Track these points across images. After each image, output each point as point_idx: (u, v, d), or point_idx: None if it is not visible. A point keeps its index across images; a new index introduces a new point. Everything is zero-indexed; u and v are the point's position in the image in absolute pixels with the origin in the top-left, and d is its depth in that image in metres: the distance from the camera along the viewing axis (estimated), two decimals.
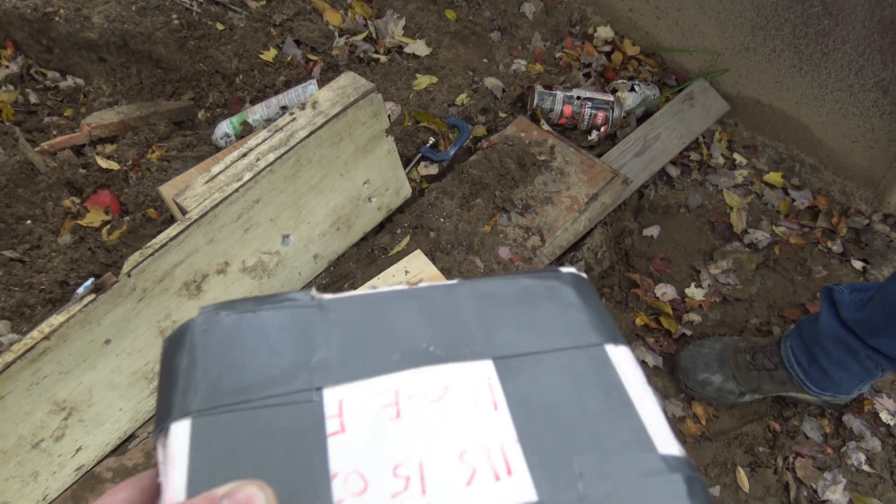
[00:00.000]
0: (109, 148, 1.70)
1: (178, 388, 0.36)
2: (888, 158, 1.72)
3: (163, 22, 1.89)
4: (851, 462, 1.42)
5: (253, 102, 1.80)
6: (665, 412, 0.34)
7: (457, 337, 0.39)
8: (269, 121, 1.69)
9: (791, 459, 1.42)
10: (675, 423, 1.45)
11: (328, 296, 0.40)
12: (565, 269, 0.44)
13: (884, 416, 1.47)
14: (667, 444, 0.35)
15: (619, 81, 1.96)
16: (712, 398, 1.45)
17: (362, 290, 0.41)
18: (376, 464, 0.33)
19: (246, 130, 1.67)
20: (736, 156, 1.93)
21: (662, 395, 1.48)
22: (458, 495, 0.32)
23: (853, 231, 1.79)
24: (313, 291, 0.41)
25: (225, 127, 1.68)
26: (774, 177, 1.89)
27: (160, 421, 0.35)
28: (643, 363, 1.51)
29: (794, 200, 1.85)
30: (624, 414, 0.36)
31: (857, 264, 1.73)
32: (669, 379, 1.51)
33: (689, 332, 1.58)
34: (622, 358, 0.39)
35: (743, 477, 1.39)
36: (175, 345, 0.38)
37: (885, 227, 1.79)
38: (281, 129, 1.28)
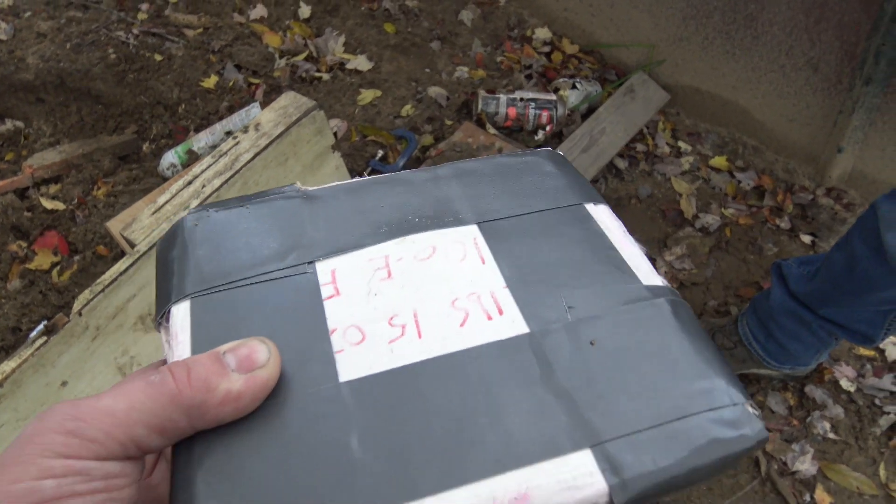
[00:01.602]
0: (54, 188, 1.67)
1: (173, 276, 0.36)
2: (825, 134, 1.77)
3: (99, 57, 1.87)
4: (817, 431, 1.45)
5: (197, 130, 1.79)
6: (649, 256, 0.37)
7: (440, 208, 0.40)
8: (214, 147, 1.68)
9: None
10: None
11: (314, 188, 0.41)
12: (542, 149, 0.46)
13: (844, 384, 1.51)
14: (650, 277, 0.37)
15: (561, 80, 1.98)
16: None
17: (347, 181, 0.42)
18: (372, 317, 0.34)
19: (192, 159, 1.66)
20: (680, 143, 1.97)
21: None
22: (452, 336, 0.33)
23: (799, 207, 1.84)
24: (298, 184, 0.42)
25: (170, 157, 1.66)
26: (719, 161, 1.93)
27: (160, 307, 0.36)
28: None
29: (739, 182, 1.89)
30: (607, 256, 0.38)
31: (806, 238, 1.77)
32: None
33: None
34: (602, 213, 0.41)
35: None
36: (167, 242, 0.39)
37: (829, 200, 1.84)
38: (225, 153, 1.27)
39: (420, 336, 0.33)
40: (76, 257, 1.54)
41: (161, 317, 0.35)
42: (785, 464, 1.41)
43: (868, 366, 1.53)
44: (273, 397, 0.31)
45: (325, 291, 0.35)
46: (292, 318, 0.34)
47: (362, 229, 0.39)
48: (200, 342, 0.33)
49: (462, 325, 0.34)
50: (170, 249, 0.38)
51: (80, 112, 1.84)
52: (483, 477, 0.28)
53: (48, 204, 1.61)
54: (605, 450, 0.29)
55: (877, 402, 1.49)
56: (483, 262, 0.37)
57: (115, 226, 1.44)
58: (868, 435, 1.45)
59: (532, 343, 0.33)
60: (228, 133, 1.69)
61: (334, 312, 0.34)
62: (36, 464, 0.26)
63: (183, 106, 1.85)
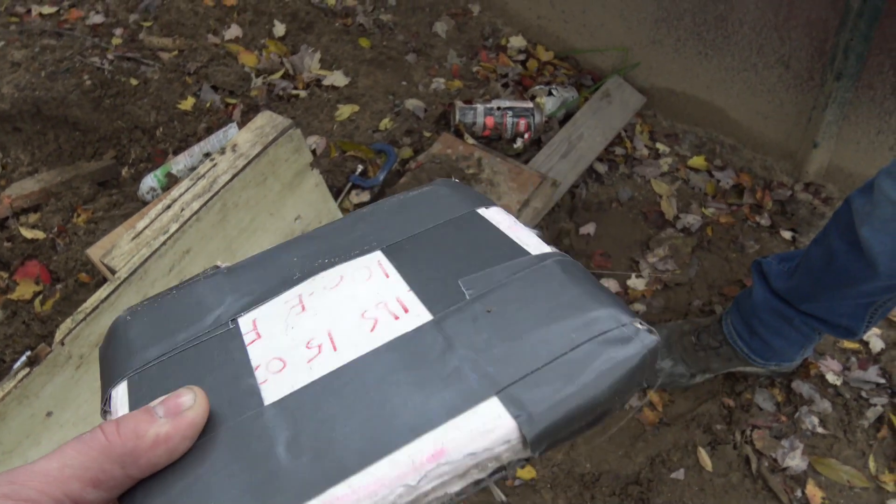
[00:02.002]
0: (33, 217, 1.66)
1: (110, 366, 0.38)
2: (800, 130, 1.79)
3: (75, 84, 1.87)
4: (806, 426, 1.46)
5: (176, 153, 1.79)
6: (542, 237, 0.38)
7: (349, 246, 0.43)
8: (193, 169, 1.68)
9: (748, 432, 1.46)
10: (633, 414, 1.47)
11: (236, 262, 0.44)
12: (439, 180, 0.49)
13: (830, 378, 1.52)
14: (540, 248, 0.40)
15: (537, 87, 1.99)
16: (665, 384, 1.48)
17: (265, 250, 0.46)
18: (290, 346, 0.36)
19: (171, 182, 1.66)
20: (658, 145, 1.98)
21: None
22: (364, 342, 0.35)
23: (778, 203, 1.85)
24: (220, 262, 0.45)
25: (150, 181, 1.66)
26: (698, 161, 1.94)
27: (102, 398, 0.37)
28: None
29: (718, 181, 1.90)
30: (498, 243, 0.41)
31: (787, 234, 1.78)
32: None
33: None
34: (494, 213, 0.44)
35: (704, 456, 1.42)
36: (105, 342, 0.41)
37: (808, 195, 1.85)
38: (203, 175, 1.27)
39: (335, 349, 0.35)
40: (58, 286, 1.53)
41: (105, 405, 0.37)
42: (775, 460, 1.41)
43: (853, 359, 1.55)
44: (204, 435, 0.32)
45: (248, 338, 0.38)
46: (220, 368, 0.36)
47: (278, 280, 0.42)
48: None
49: (372, 329, 0.36)
50: (107, 348, 0.41)
51: (57, 140, 1.83)
52: (400, 445, 0.30)
53: (28, 233, 1.60)
54: (508, 393, 0.31)
55: (863, 394, 1.50)
56: (387, 277, 0.40)
57: (95, 252, 1.44)
58: (856, 427, 1.46)
59: (435, 325, 0.35)
60: (207, 155, 1.68)
61: (257, 352, 0.37)
62: None
63: (161, 129, 1.84)
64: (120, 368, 0.38)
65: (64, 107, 1.83)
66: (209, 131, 1.83)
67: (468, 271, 0.38)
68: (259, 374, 0.35)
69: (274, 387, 0.34)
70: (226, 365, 0.36)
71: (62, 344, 1.11)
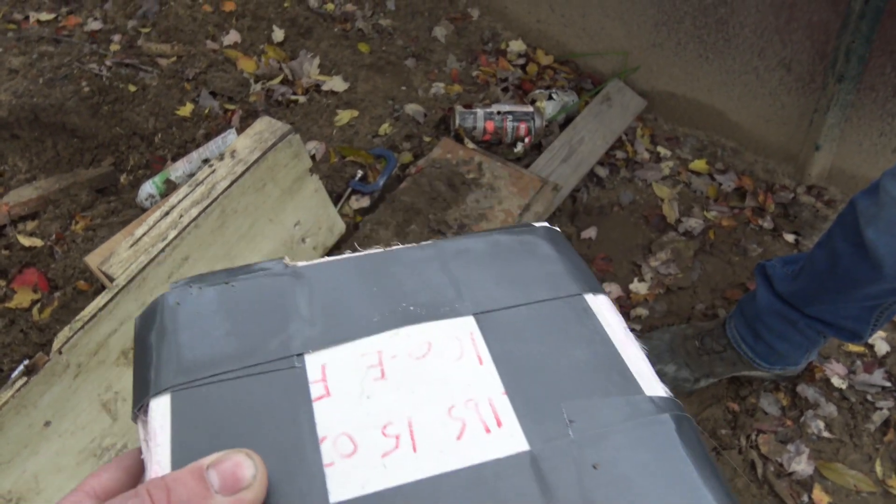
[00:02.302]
0: (31, 225, 1.65)
1: (152, 363, 0.34)
2: (802, 132, 1.78)
3: (73, 91, 1.86)
4: (811, 431, 1.45)
5: (174, 160, 1.78)
6: (648, 358, 0.35)
7: (435, 295, 0.38)
8: (191, 176, 1.67)
9: (753, 437, 1.44)
10: None
11: (302, 263, 0.40)
12: (538, 224, 0.44)
13: (835, 381, 1.50)
14: (652, 386, 0.35)
15: (537, 91, 1.99)
16: (669, 388, 1.47)
17: (336, 256, 0.40)
18: (364, 424, 0.32)
19: (170, 189, 1.65)
20: (660, 149, 1.97)
21: None
22: (449, 451, 0.31)
23: (781, 206, 1.84)
24: (286, 259, 0.40)
25: (148, 188, 1.65)
26: (699, 164, 1.93)
27: (138, 398, 0.34)
28: None
29: (720, 184, 1.89)
30: (609, 360, 0.36)
31: (790, 237, 1.77)
32: None
33: (637, 327, 1.60)
34: (602, 306, 0.39)
35: None
36: (147, 322, 0.37)
37: (811, 198, 1.84)
38: (201, 182, 1.26)
39: (415, 450, 0.31)
40: (56, 294, 1.52)
41: (138, 409, 0.34)
42: (781, 465, 1.40)
43: (858, 362, 1.53)
44: None
45: (315, 391, 0.33)
46: (279, 421, 0.32)
47: (354, 317, 0.37)
48: (180, 447, 0.31)
49: (459, 437, 0.32)
50: (149, 329, 0.36)
51: (55, 147, 1.82)
52: None
53: (26, 241, 1.59)
54: None
55: (869, 398, 1.48)
56: (480, 363, 0.35)
57: (93, 260, 1.43)
58: (862, 431, 1.44)
59: (532, 463, 0.31)
60: (206, 161, 1.68)
61: (324, 417, 0.32)
62: None
63: (159, 135, 1.83)
64: (164, 375, 0.34)
65: (62, 113, 1.82)
66: (208, 137, 1.82)
67: (572, 391, 0.34)
68: (325, 451, 0.31)
69: (341, 477, 0.30)
70: (287, 420, 0.32)
71: (60, 353, 1.10)
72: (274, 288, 0.38)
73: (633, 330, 1.56)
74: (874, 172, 1.71)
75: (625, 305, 1.65)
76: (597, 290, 0.40)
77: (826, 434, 1.44)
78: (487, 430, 0.32)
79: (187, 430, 0.31)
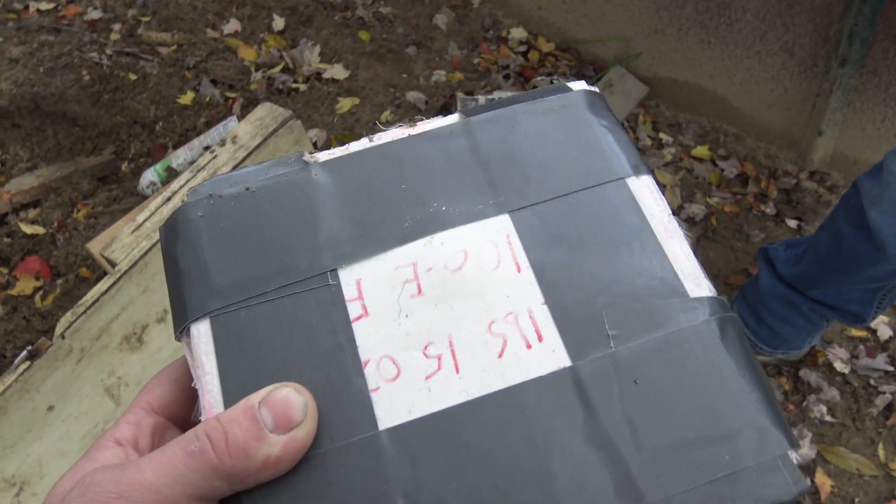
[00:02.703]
0: (33, 213, 1.65)
1: (185, 285, 0.34)
2: (804, 117, 1.78)
3: (73, 80, 1.85)
4: (814, 415, 1.45)
5: (175, 147, 1.78)
6: (694, 250, 0.32)
7: (468, 190, 0.36)
8: (193, 163, 1.67)
9: None
10: None
11: (323, 156, 0.37)
12: (576, 86, 0.39)
13: (838, 366, 1.50)
14: (698, 284, 0.33)
15: (539, 78, 1.98)
16: None
17: (359, 145, 0.37)
18: (405, 346, 0.32)
19: (171, 176, 1.64)
20: (662, 135, 1.97)
21: None
22: (491, 371, 0.31)
23: (783, 192, 1.84)
24: (306, 155, 0.37)
25: (150, 175, 1.65)
26: (701, 150, 1.93)
27: (178, 321, 0.34)
28: None
29: (723, 171, 1.89)
30: (651, 258, 0.34)
31: (792, 223, 1.77)
32: None
33: None
34: (645, 190, 0.36)
35: None
36: (171, 235, 0.35)
37: (813, 183, 1.84)
38: (203, 167, 1.26)
39: (458, 371, 0.31)
40: (59, 281, 1.52)
41: (183, 334, 0.34)
42: None
43: (861, 346, 1.53)
44: (311, 447, 0.29)
45: (353, 311, 0.32)
46: (321, 345, 0.31)
47: (384, 222, 0.35)
48: (227, 376, 0.31)
49: (500, 355, 0.31)
50: (175, 244, 0.35)
51: (56, 135, 1.82)
52: None
53: (28, 229, 1.59)
54: None
55: (871, 382, 1.48)
56: (519, 271, 0.33)
57: (95, 246, 1.43)
58: (865, 416, 1.44)
59: (574, 379, 0.31)
60: (207, 148, 1.67)
61: (365, 338, 0.32)
62: None
63: (160, 124, 1.83)
64: (199, 299, 0.33)
65: (62, 102, 1.82)
66: (209, 125, 1.82)
67: (612, 297, 0.32)
68: (369, 375, 0.31)
69: (387, 403, 0.30)
70: (328, 344, 0.31)
71: (63, 337, 1.10)
72: (296, 192, 0.36)
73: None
74: (877, 157, 1.71)
75: None
76: (640, 168, 0.37)
77: (828, 418, 1.44)
78: (528, 346, 0.31)
79: (231, 358, 0.31)
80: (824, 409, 1.45)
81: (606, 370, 0.31)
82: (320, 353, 0.31)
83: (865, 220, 1.09)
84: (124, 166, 1.78)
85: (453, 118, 0.38)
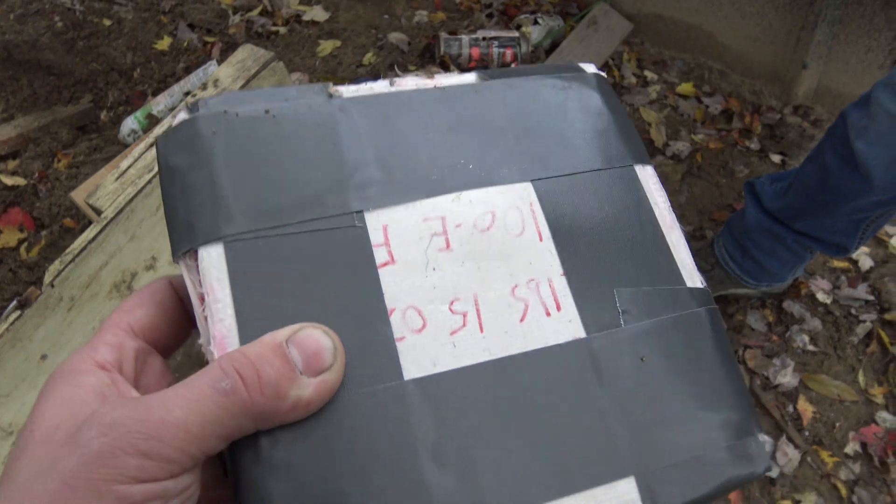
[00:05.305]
0: (12, 164, 1.62)
1: (194, 204, 0.31)
2: (789, 51, 1.77)
3: (45, 26, 1.81)
4: (797, 345, 1.48)
5: (155, 94, 1.75)
6: (687, 240, 0.34)
7: (492, 151, 0.36)
8: (173, 109, 1.64)
9: (741, 352, 1.47)
10: None
11: (347, 91, 0.35)
12: (589, 69, 0.41)
13: (820, 297, 1.53)
14: (692, 276, 0.36)
15: (522, 17, 1.95)
16: None
17: (383, 87, 0.36)
18: (432, 298, 0.32)
19: (152, 123, 1.62)
20: (647, 73, 1.95)
21: None
22: (513, 333, 0.32)
23: (767, 127, 1.84)
24: (331, 87, 0.35)
25: (130, 123, 1.62)
26: (686, 87, 1.92)
27: (183, 241, 0.31)
28: None
29: (707, 107, 1.89)
30: (655, 245, 0.36)
31: (776, 158, 1.78)
32: None
33: None
34: (649, 180, 0.38)
35: None
36: (176, 149, 0.32)
37: (797, 118, 1.84)
38: None
39: (482, 330, 0.32)
40: (43, 232, 1.50)
41: (187, 258, 0.31)
42: (767, 378, 1.44)
43: (843, 277, 1.56)
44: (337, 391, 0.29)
45: (379, 256, 0.32)
46: (345, 288, 0.31)
47: (413, 171, 0.34)
48: (243, 307, 0.30)
49: (522, 319, 0.32)
50: (181, 159, 0.32)
51: (31, 85, 1.78)
52: (543, 501, 0.29)
53: (8, 180, 1.57)
54: (646, 479, 0.31)
55: (853, 311, 1.52)
56: (541, 240, 0.34)
57: (79, 195, 1.41)
58: (846, 344, 1.48)
59: (588, 350, 0.32)
60: (187, 93, 1.64)
61: (391, 286, 0.31)
62: (112, 492, 0.24)
63: (138, 70, 1.79)
64: (212, 221, 0.30)
65: (36, 50, 1.77)
66: (188, 70, 1.78)
67: (623, 275, 0.35)
68: (395, 324, 0.31)
69: (413, 354, 0.30)
70: (354, 287, 0.31)
71: (52, 286, 1.09)
72: (322, 124, 0.34)
73: None
74: (860, 90, 1.71)
75: None
76: (645, 159, 0.39)
77: (811, 347, 1.48)
78: (548, 314, 0.33)
79: (247, 289, 0.30)
80: (807, 338, 1.48)
81: (617, 345, 0.33)
82: (344, 295, 0.30)
83: (851, 151, 1.10)
84: (103, 115, 1.75)
85: (471, 77, 0.38)
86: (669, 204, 0.38)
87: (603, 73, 0.41)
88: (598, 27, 1.95)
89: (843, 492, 1.31)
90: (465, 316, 0.32)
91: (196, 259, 0.31)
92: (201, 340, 0.31)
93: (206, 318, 0.30)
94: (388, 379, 0.29)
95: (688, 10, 1.87)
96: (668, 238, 0.36)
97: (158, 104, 1.64)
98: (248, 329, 0.29)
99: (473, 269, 0.33)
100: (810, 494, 1.31)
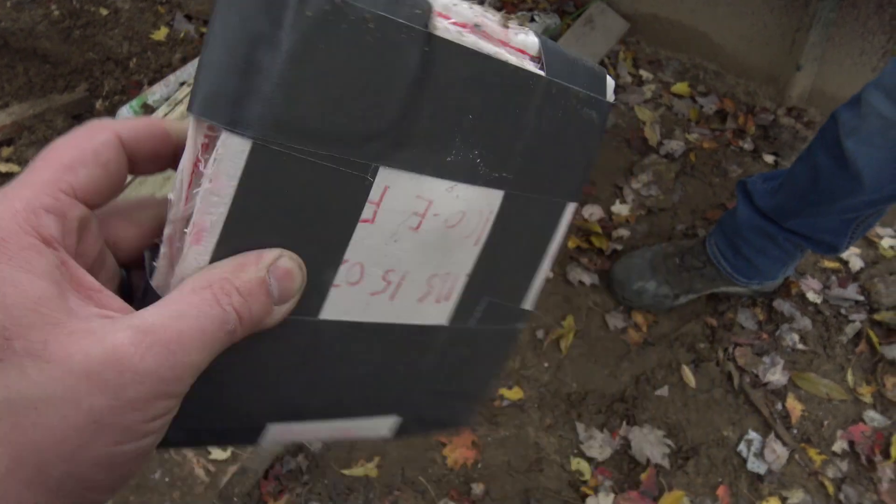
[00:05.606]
0: (6, 151, 1.62)
1: (246, 85, 0.27)
2: (783, 53, 1.78)
3: (42, 15, 1.80)
4: (786, 343, 1.49)
5: (151, 84, 1.74)
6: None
7: (503, 151, 0.34)
8: (169, 99, 1.64)
9: (731, 350, 1.49)
10: (618, 334, 1.49)
11: (448, 35, 0.30)
12: (611, 99, 0.39)
13: (810, 296, 1.55)
14: (531, 298, 0.42)
15: (520, 14, 1.95)
16: (649, 305, 1.50)
17: (471, 42, 0.31)
18: (377, 262, 0.34)
19: (147, 113, 1.62)
20: (642, 72, 1.96)
21: (602, 309, 1.52)
22: (410, 308, 0.36)
23: (761, 128, 1.85)
24: (435, 17, 0.30)
25: (125, 113, 1.62)
26: (681, 87, 1.93)
27: (215, 108, 0.27)
28: (580, 283, 1.55)
29: (702, 107, 1.90)
30: (533, 268, 0.41)
31: (769, 158, 1.79)
32: (607, 294, 1.55)
33: (619, 248, 1.62)
34: (568, 217, 0.41)
35: (688, 374, 1.45)
36: (257, 9, 0.27)
37: (790, 119, 1.86)
38: (180, 101, 1.25)
39: (392, 299, 0.35)
40: None
41: (206, 117, 0.27)
42: (757, 376, 1.45)
43: (833, 277, 1.57)
44: None
45: (366, 212, 0.31)
46: (324, 227, 0.31)
47: (435, 141, 0.32)
48: (238, 213, 0.28)
49: (420, 300, 0.36)
50: (251, 20, 0.27)
51: (27, 73, 1.77)
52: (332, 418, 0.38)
53: (2, 168, 1.56)
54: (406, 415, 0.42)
55: (842, 311, 1.53)
56: (475, 244, 0.37)
57: None
58: (835, 343, 1.49)
59: (443, 335, 0.39)
60: (183, 84, 1.64)
61: (357, 241, 0.32)
62: (141, 430, 0.26)
63: (134, 60, 1.79)
64: (256, 117, 0.27)
65: (32, 38, 1.77)
66: (184, 61, 1.78)
67: (499, 287, 0.40)
68: (340, 272, 0.33)
69: (337, 299, 0.33)
70: (330, 230, 0.31)
71: None
72: (403, 59, 0.29)
73: (614, 251, 1.59)
74: (853, 93, 1.72)
75: (607, 227, 1.66)
76: (576, 197, 0.40)
77: (800, 346, 1.49)
78: (437, 301, 0.37)
79: (250, 197, 0.28)
80: (796, 337, 1.50)
81: (455, 338, 0.39)
82: (319, 232, 0.31)
83: (842, 151, 1.11)
84: (98, 104, 1.75)
85: (533, 66, 0.34)
86: (560, 240, 0.42)
87: (613, 102, 0.39)
88: (594, 26, 1.95)
89: (831, 489, 1.32)
90: (388, 284, 0.35)
91: (216, 132, 0.28)
92: (172, 197, 0.29)
93: (193, 194, 0.28)
94: (308, 313, 0.32)
95: (684, 10, 1.88)
96: (542, 266, 0.41)
97: (154, 94, 1.64)
98: (233, 238, 0.29)
99: (419, 254, 0.35)
100: (798, 491, 1.32)
